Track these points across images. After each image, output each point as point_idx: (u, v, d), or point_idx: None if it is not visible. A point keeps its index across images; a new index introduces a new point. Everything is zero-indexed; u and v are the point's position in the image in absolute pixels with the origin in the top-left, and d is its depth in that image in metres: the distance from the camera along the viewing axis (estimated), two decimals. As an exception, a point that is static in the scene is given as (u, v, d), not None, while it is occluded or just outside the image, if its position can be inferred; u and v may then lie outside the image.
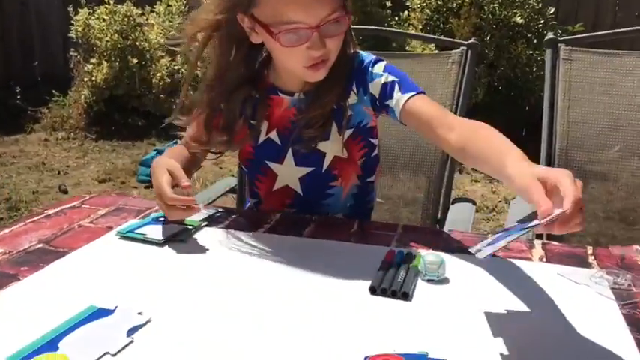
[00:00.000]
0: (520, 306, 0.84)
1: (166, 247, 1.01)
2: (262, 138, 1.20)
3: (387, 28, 3.22)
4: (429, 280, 0.91)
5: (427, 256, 0.92)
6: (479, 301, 0.85)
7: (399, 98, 1.11)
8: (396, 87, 1.12)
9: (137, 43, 4.83)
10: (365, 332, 0.76)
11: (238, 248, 1.01)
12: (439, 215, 1.50)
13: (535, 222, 0.73)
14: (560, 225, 0.73)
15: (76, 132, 4.88)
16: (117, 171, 3.98)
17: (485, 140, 0.97)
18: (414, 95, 1.11)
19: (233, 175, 2.63)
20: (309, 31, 1.01)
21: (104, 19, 4.79)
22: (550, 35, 1.53)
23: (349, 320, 0.80)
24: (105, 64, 4.75)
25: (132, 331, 0.75)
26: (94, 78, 4.75)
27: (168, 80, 4.77)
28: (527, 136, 4.51)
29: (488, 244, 0.80)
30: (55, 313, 0.78)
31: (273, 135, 1.19)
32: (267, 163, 1.22)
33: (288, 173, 1.21)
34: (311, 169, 1.20)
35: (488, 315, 0.81)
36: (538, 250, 1.03)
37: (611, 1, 4.71)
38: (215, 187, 1.66)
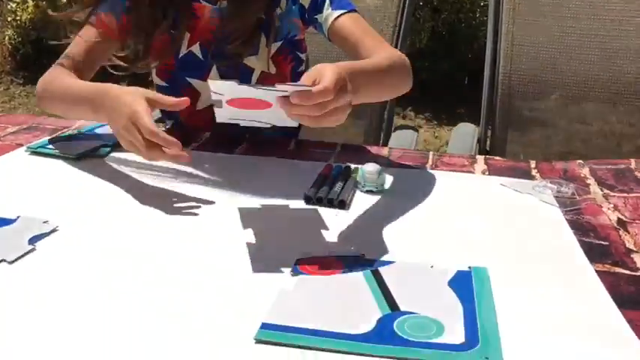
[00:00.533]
0: (462, 215, 0.80)
1: (81, 162, 0.92)
2: (184, 51, 1.08)
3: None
4: (367, 192, 0.85)
5: (366, 166, 0.87)
6: (419, 211, 0.80)
7: (328, 14, 1.04)
8: (327, 1, 1.05)
9: (65, -21, 4.53)
10: (299, 239, 0.71)
11: (161, 166, 0.92)
12: (381, 140, 1.45)
13: (278, 87, 0.65)
14: (300, 99, 0.65)
15: (1, 76, 4.57)
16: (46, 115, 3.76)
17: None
18: (344, 13, 1.04)
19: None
20: None
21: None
22: (496, -46, 1.47)
23: (282, 229, 0.74)
24: (30, 2, 4.44)
25: (35, 239, 0.67)
26: (18, 18, 4.43)
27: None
28: (470, 83, 4.55)
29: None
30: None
31: (195, 48, 1.08)
32: (189, 80, 1.10)
33: None
34: None
35: (427, 222, 0.77)
36: (480, 164, 0.99)
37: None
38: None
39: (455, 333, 0.53)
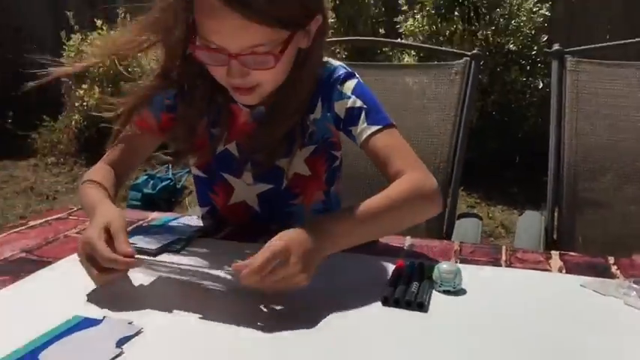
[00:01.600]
0: (543, 320, 0.77)
1: (159, 257, 0.94)
2: (220, 148, 1.10)
3: (382, 39, 3.19)
4: (444, 292, 0.84)
5: (442, 265, 0.86)
6: (498, 314, 0.78)
7: (363, 129, 1.02)
8: (363, 115, 1.02)
9: (129, 69, 4.80)
10: (378, 345, 0.69)
11: (237, 259, 0.93)
12: (444, 230, 1.44)
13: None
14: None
15: (65, 157, 4.80)
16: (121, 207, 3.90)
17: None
18: (379, 130, 1.01)
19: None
20: (225, 56, 0.90)
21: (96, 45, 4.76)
22: (556, 46, 1.49)
23: (361, 333, 0.73)
24: (96, 89, 4.70)
25: (122, 341, 0.68)
26: (85, 103, 4.70)
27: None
28: (521, 163, 4.52)
29: None
30: (37, 324, 0.71)
31: (232, 147, 1.09)
32: (224, 175, 1.12)
33: (246, 189, 1.12)
34: (270, 186, 1.11)
35: (508, 329, 0.75)
36: (556, 260, 0.97)
37: (602, 27, 4.75)
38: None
39: None
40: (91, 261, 0.80)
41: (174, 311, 0.77)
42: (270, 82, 0.96)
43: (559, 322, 0.76)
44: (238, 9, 0.85)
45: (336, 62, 1.09)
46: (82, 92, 4.73)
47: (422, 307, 0.79)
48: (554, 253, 1.00)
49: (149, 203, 3.59)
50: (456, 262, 0.96)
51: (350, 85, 1.04)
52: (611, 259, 0.97)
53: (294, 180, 1.10)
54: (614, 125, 1.44)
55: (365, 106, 1.03)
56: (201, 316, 0.76)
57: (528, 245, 1.27)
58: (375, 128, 1.01)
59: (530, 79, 4.19)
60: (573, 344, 0.70)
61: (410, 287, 0.82)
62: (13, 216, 3.47)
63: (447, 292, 0.84)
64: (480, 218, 1.46)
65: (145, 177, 3.90)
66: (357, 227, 0.88)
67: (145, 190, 3.66)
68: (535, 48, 4.26)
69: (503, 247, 1.03)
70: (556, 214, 1.46)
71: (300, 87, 1.01)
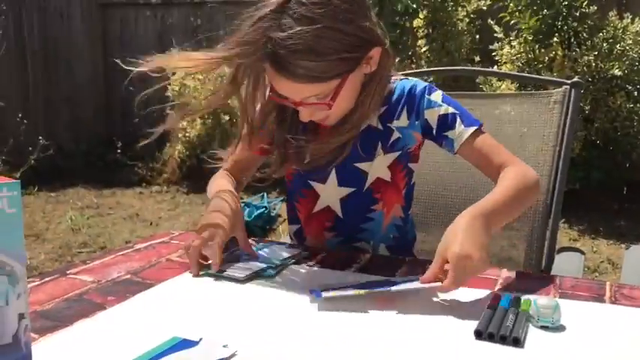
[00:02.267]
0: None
1: (252, 284, 0.97)
2: (308, 158, 1.16)
3: (481, 69, 3.15)
4: (542, 327, 0.81)
5: (539, 299, 0.82)
6: (599, 354, 0.74)
7: (462, 131, 1.13)
8: (458, 119, 1.13)
9: (229, 101, 5.01)
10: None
11: (327, 286, 0.95)
12: (543, 264, 1.38)
13: (415, 283, 0.91)
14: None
15: (168, 186, 5.06)
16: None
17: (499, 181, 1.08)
18: (477, 129, 1.13)
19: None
20: (292, 103, 1.05)
21: (199, 79, 5.02)
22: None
23: (452, 365, 0.71)
24: (198, 121, 4.95)
25: (216, 364, 0.70)
26: (187, 134, 4.94)
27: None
28: (630, 193, 4.25)
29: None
30: (138, 343, 0.75)
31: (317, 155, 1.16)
32: (310, 182, 1.21)
33: (330, 193, 1.20)
34: (352, 189, 1.19)
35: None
36: (667, 299, 0.90)
37: None
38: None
39: None
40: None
41: (269, 335, 0.78)
42: (337, 111, 1.08)
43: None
44: (287, 76, 1.00)
45: (412, 78, 1.20)
46: (185, 124, 4.98)
47: (517, 342, 0.76)
48: (666, 291, 0.94)
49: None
50: (555, 296, 0.92)
51: (438, 94, 1.16)
52: None
53: (375, 184, 1.18)
54: None
55: (457, 112, 1.14)
56: (294, 340, 0.77)
57: (636, 281, 1.19)
58: (473, 129, 1.12)
59: (637, 105, 3.97)
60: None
61: (505, 321, 0.79)
62: (119, 240, 3.69)
63: (544, 328, 0.80)
64: (583, 253, 1.39)
65: (242, 205, 4.02)
66: (502, 216, 1.01)
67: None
68: (643, 72, 4.03)
69: (607, 283, 0.97)
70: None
71: (370, 100, 1.11)
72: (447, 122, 1.14)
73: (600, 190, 4.13)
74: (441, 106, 1.14)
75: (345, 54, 1.01)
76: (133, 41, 6.22)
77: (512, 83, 4.00)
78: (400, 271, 1.03)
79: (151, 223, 4.10)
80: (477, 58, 4.48)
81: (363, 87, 1.10)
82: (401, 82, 1.19)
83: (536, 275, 1.02)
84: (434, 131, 1.15)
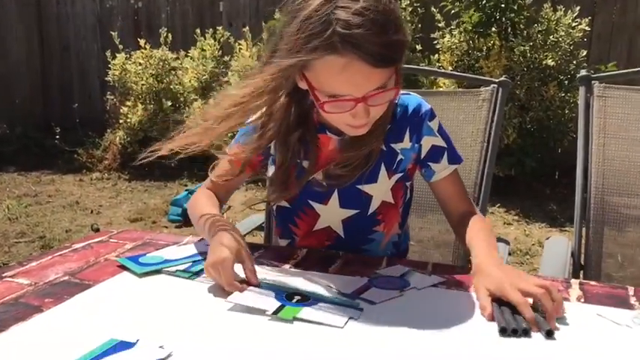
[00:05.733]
0: (558, 348, 0.79)
1: (191, 282, 1.00)
2: (309, 177, 1.15)
3: (418, 67, 3.22)
4: None
5: None
6: (507, 341, 0.81)
7: (445, 167, 1.18)
8: (446, 154, 1.17)
9: (171, 87, 4.95)
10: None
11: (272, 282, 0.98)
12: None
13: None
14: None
15: (109, 172, 4.97)
16: (148, 210, 4.02)
17: (472, 229, 1.13)
18: (454, 170, 1.19)
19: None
20: (353, 102, 0.97)
21: (140, 64, 4.93)
22: (583, 72, 1.51)
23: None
24: (140, 106, 4.87)
25: (151, 365, 0.73)
26: (129, 120, 4.86)
27: (202, 122, 4.83)
28: (561, 179, 4.45)
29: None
30: (76, 345, 0.77)
31: (319, 175, 1.15)
32: (311, 202, 1.18)
33: (332, 214, 1.18)
34: (356, 211, 1.18)
35: (521, 357, 0.77)
36: (575, 290, 0.98)
37: (645, 43, 4.65)
38: (242, 225, 1.65)
39: None
40: (218, 274, 0.95)
41: (206, 337, 0.82)
42: (378, 115, 1.05)
43: (573, 352, 0.78)
44: (371, 62, 0.92)
45: (414, 95, 1.19)
46: (125, 109, 4.89)
47: (550, 334, 0.82)
48: (574, 282, 1.02)
49: (189, 218, 3.68)
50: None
51: (436, 122, 1.17)
52: (631, 290, 0.98)
53: (379, 207, 1.18)
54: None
55: (446, 146, 1.18)
56: (234, 343, 0.80)
57: (554, 272, 1.28)
58: (454, 167, 1.19)
59: (568, 94, 4.15)
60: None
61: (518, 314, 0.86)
62: (59, 229, 3.62)
63: None
64: (508, 243, 1.47)
65: (186, 192, 4.00)
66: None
67: (185, 206, 3.76)
68: (574, 63, 4.21)
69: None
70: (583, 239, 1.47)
71: (385, 112, 1.07)
72: (435, 154, 1.17)
73: (534, 176, 4.31)
74: (436, 136, 1.16)
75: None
76: (70, 21, 6.03)
77: (450, 82, 4.11)
78: (334, 266, 1.08)
79: (91, 212, 4.03)
80: (419, 47, 4.57)
81: None
82: (402, 97, 1.16)
83: (461, 268, 1.09)
84: (421, 157, 1.18)
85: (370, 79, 0.96)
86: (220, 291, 0.95)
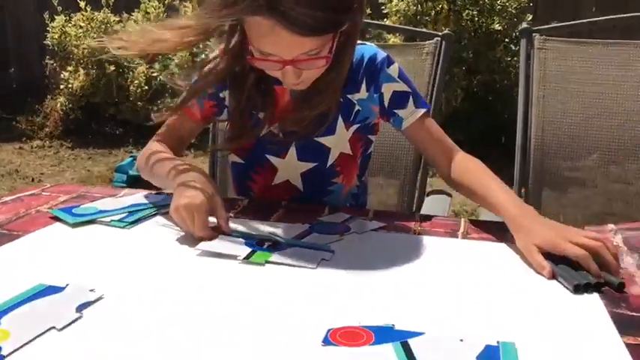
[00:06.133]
0: (493, 287, 0.81)
1: (127, 230, 0.97)
2: (264, 130, 1.13)
3: (365, 20, 3.19)
4: None
5: None
6: (451, 282, 0.82)
7: (413, 111, 1.13)
8: (410, 98, 1.13)
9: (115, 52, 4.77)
10: (331, 309, 0.73)
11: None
12: (414, 204, 1.47)
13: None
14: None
15: (51, 140, 4.80)
16: (92, 178, 3.91)
17: (475, 176, 1.07)
18: (425, 113, 1.13)
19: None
20: (281, 64, 0.95)
21: (80, 26, 4.73)
22: (524, 25, 1.52)
23: (314, 298, 0.76)
24: (81, 71, 4.69)
25: (82, 307, 0.71)
26: (70, 86, 4.68)
27: (146, 88, 4.70)
28: (507, 142, 4.54)
29: None
30: (3, 292, 0.74)
31: (275, 127, 1.13)
32: (268, 157, 1.16)
33: (290, 168, 1.16)
34: (314, 164, 1.16)
35: (459, 294, 0.78)
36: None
37: (588, 6, 4.76)
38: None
39: (482, 407, 0.54)
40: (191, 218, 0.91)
41: (140, 282, 0.79)
42: (319, 72, 1.01)
43: (507, 290, 0.79)
44: (290, 27, 0.89)
45: (371, 45, 1.16)
46: (66, 74, 4.71)
47: (622, 287, 0.78)
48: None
49: (134, 185, 3.61)
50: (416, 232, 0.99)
51: (395, 68, 1.13)
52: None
53: (338, 159, 1.16)
54: (582, 102, 1.47)
55: (410, 90, 1.13)
56: (169, 288, 0.79)
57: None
58: (423, 111, 1.13)
59: (515, 58, 4.21)
60: (517, 310, 0.74)
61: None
62: (-2, 198, 3.48)
63: None
64: (450, 195, 1.49)
65: (130, 159, 3.90)
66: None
67: (131, 172, 3.68)
68: (520, 27, 4.28)
69: (462, 220, 1.07)
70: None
71: (340, 67, 1.04)
72: (399, 100, 1.12)
73: (481, 139, 4.38)
74: (397, 81, 1.12)
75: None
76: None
77: (397, 37, 4.10)
78: (276, 215, 1.07)
79: (32, 180, 3.89)
80: (368, 11, 4.54)
81: (341, 46, 1.01)
82: (358, 47, 1.11)
83: (401, 214, 1.09)
84: (385, 106, 1.13)
85: (298, 46, 0.93)
86: (181, 239, 0.93)
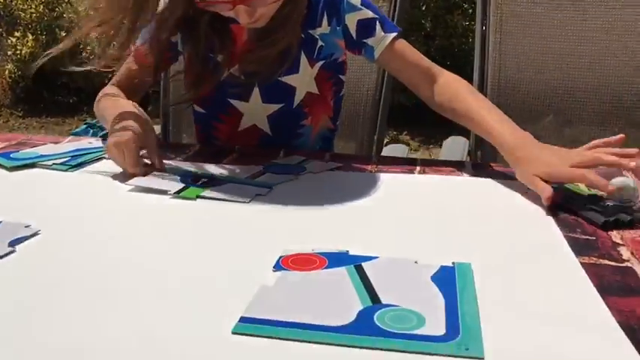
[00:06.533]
0: (447, 213, 0.79)
1: (70, 173, 0.93)
2: (225, 74, 1.08)
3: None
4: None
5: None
6: (405, 210, 0.80)
7: (382, 37, 1.05)
8: (378, 25, 1.06)
9: (64, 15, 4.60)
10: (283, 236, 0.70)
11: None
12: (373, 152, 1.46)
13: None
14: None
15: (0, 109, 4.62)
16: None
17: (466, 101, 1.00)
18: (397, 35, 1.06)
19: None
20: (230, 4, 0.90)
21: (28, -11, 4.54)
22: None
23: (267, 226, 0.73)
24: (30, 37, 4.51)
25: (15, 242, 0.66)
26: (18, 52, 4.50)
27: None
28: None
29: None
30: None
31: (236, 70, 1.07)
32: (231, 101, 1.11)
33: (255, 111, 1.11)
34: (280, 105, 1.11)
35: (413, 221, 0.76)
36: (469, 169, 0.99)
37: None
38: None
39: (435, 325, 0.52)
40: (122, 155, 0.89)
41: (77, 220, 0.75)
42: (274, 8, 0.96)
43: (462, 215, 0.78)
44: None
45: None
46: (14, 40, 4.53)
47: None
48: (468, 164, 1.03)
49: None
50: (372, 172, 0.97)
51: None
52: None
53: (305, 99, 1.11)
54: (538, 46, 1.46)
55: (376, 16, 1.06)
56: (105, 225, 0.75)
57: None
58: (393, 35, 1.06)
59: (472, 22, 4.22)
60: (472, 234, 0.72)
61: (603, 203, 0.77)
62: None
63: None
64: (407, 144, 1.48)
65: (85, 126, 3.77)
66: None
67: (84, 139, 3.57)
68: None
69: (419, 160, 1.05)
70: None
71: (299, 5, 1.01)
72: (366, 28, 1.06)
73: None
74: (360, 9, 1.05)
75: None
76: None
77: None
78: (229, 158, 1.03)
79: (-20, 149, 3.74)
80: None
81: None
82: None
83: (359, 156, 1.07)
84: (353, 38, 1.07)
85: None
86: (115, 177, 0.90)
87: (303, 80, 1.10)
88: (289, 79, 1.09)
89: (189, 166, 0.96)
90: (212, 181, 0.88)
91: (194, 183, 0.87)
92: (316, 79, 1.11)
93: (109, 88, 1.11)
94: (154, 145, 0.94)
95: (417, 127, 4.15)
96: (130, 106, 0.98)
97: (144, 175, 0.89)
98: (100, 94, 1.10)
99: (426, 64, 1.07)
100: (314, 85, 1.12)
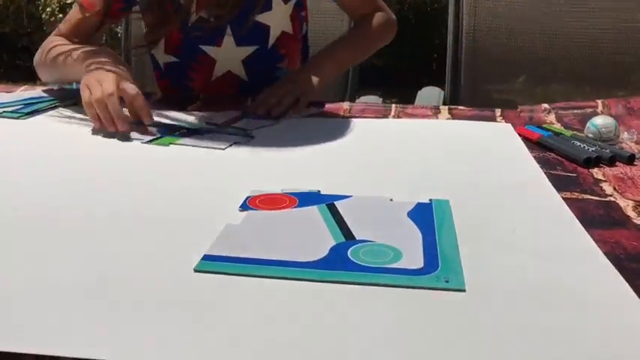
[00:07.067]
0: (424, 153, 0.76)
1: (22, 121, 0.87)
2: (193, 18, 1.01)
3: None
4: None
5: (596, 119, 0.79)
6: (381, 151, 0.76)
7: None
8: None
9: (23, -25, 4.40)
10: (251, 178, 0.66)
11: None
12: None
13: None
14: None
15: (-42, 76, 4.44)
16: None
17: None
18: None
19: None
20: None
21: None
22: None
23: (234, 170, 0.69)
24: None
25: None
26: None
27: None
28: (438, 67, 4.54)
29: None
30: None
31: (204, 13, 1.00)
32: (202, 47, 1.05)
33: (229, 56, 1.05)
34: (255, 47, 1.05)
35: (389, 161, 0.73)
36: (444, 114, 0.96)
37: None
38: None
39: (413, 259, 0.49)
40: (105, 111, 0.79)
41: (36, 168, 0.70)
42: None
43: (439, 156, 0.74)
44: None
45: None
46: (-31, 0, 4.32)
47: (632, 159, 0.72)
48: (444, 108, 0.99)
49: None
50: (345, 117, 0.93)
51: None
52: (498, 111, 0.96)
53: (280, 39, 1.06)
54: (513, 5, 1.41)
55: None
56: (67, 174, 0.70)
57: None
58: None
59: (446, -18, 4.16)
60: (451, 173, 0.69)
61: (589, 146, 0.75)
62: None
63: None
64: (380, 97, 1.44)
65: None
66: (337, 63, 1.04)
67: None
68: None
69: (393, 105, 1.01)
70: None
71: None
72: None
73: (411, 64, 4.36)
74: None
75: None
76: None
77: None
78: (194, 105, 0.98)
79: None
80: None
81: None
82: None
83: (334, 101, 1.03)
84: None
85: None
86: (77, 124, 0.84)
87: (277, 18, 1.04)
88: (262, 18, 1.03)
89: (164, 118, 0.89)
90: (190, 132, 0.83)
91: (171, 133, 0.82)
92: (291, 17, 1.06)
93: (57, 39, 1.01)
94: (139, 96, 0.82)
95: (389, 89, 4.10)
96: (105, 50, 0.90)
97: (129, 131, 0.80)
98: (47, 44, 1.01)
99: (373, 6, 1.09)
100: (289, 23, 1.06)
